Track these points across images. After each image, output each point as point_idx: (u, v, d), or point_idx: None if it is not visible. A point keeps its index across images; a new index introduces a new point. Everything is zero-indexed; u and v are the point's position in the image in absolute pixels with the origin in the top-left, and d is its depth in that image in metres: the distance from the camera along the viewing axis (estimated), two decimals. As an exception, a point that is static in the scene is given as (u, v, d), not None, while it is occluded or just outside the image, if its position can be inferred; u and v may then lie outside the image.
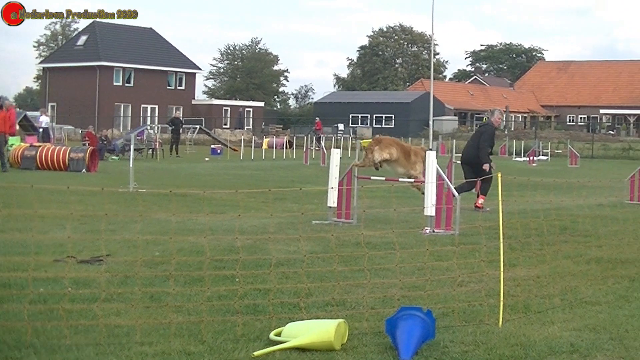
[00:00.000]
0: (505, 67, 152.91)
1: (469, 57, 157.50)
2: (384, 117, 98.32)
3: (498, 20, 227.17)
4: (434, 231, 15.86)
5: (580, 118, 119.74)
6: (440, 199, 16.05)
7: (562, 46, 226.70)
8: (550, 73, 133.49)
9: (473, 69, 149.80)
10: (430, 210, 15.92)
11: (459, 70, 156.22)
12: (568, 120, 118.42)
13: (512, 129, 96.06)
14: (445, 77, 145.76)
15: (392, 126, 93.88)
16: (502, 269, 9.20)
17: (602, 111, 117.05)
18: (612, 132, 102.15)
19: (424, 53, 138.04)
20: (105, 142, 44.03)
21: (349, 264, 12.08)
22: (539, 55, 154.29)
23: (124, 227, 15.62)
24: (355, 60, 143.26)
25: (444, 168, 22.83)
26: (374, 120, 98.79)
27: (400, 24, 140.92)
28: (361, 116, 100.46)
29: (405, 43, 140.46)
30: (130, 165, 24.93)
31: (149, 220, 16.40)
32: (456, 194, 16.02)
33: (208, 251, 12.30)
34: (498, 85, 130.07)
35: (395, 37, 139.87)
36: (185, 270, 11.24)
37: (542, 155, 56.47)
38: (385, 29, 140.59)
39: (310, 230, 15.90)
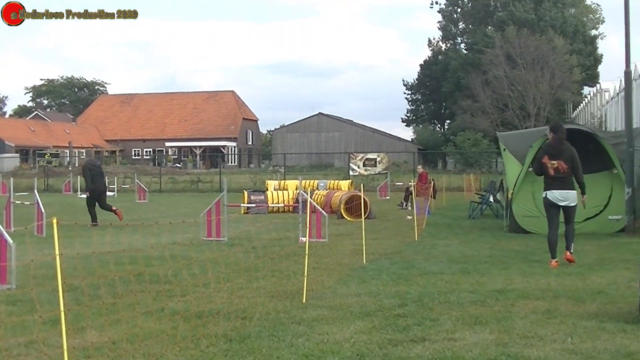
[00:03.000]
0: (67, 102, 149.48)
1: (29, 92, 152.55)
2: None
3: (56, 54, 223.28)
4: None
5: (146, 152, 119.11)
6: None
7: (124, 80, 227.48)
8: (113, 107, 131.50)
9: (34, 105, 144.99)
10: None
11: (19, 106, 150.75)
12: (134, 154, 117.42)
13: (76, 164, 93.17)
14: (5, 113, 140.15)
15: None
16: (64, 335, 6.96)
17: (167, 144, 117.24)
18: (178, 165, 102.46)
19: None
20: None
21: None
22: (101, 88, 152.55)
23: None
24: None
25: (1, 209, 20.25)
26: None
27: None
28: None
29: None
30: None
31: None
32: (10, 241, 13.39)
33: None
34: (61, 120, 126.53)
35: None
36: None
37: (109, 191, 54.29)
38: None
39: None
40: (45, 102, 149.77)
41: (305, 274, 12.18)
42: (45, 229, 22.01)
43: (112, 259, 15.11)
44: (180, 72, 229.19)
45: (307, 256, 12.37)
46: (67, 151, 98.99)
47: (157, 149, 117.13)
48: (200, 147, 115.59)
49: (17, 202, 26.23)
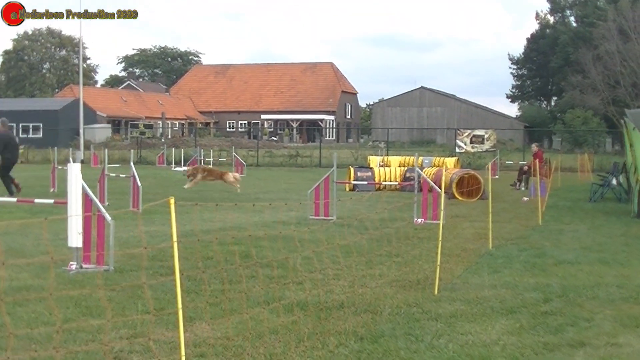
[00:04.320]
0: (160, 72, 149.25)
1: (121, 62, 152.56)
2: (31, 127, 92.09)
3: (150, 24, 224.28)
4: (81, 267, 12.05)
5: (241, 124, 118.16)
6: (88, 224, 12.29)
7: (218, 50, 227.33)
8: (207, 77, 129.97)
9: (126, 74, 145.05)
10: (75, 239, 12.10)
11: (110, 75, 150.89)
12: (228, 126, 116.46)
13: (169, 136, 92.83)
14: (96, 82, 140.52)
15: (41, 136, 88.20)
16: (181, 331, 5.80)
17: (263, 116, 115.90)
18: (275, 138, 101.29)
19: (73, 57, 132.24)
20: None
21: None
22: (195, 59, 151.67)
23: None
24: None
25: (95, 182, 19.32)
26: (21, 130, 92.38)
27: (48, 27, 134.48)
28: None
29: (53, 47, 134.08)
30: None
31: None
32: (109, 218, 12.27)
33: None
34: (153, 91, 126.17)
35: (42, 40, 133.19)
36: None
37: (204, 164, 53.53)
38: (30, 32, 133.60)
39: None
40: (138, 72, 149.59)
41: (438, 262, 10.87)
42: (141, 204, 21.07)
43: (214, 238, 13.94)
44: (275, 43, 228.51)
45: (439, 241, 11.08)
46: (160, 122, 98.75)
47: (252, 121, 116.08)
48: (296, 120, 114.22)
49: (111, 174, 25.38)
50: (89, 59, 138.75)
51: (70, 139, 79.18)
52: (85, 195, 12.31)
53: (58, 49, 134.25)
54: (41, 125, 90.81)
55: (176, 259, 6.03)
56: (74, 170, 12.27)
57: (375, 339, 8.28)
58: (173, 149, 61.84)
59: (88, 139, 69.82)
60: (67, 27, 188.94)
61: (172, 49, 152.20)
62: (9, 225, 15.53)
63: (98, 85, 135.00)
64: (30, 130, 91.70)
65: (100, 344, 7.90)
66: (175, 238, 6.07)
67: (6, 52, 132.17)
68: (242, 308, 9.28)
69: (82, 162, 28.33)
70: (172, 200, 6.12)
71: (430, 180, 20.60)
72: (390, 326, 8.80)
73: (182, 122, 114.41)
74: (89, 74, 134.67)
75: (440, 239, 11.21)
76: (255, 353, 7.65)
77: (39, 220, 18.31)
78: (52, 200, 15.50)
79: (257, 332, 8.29)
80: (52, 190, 28.84)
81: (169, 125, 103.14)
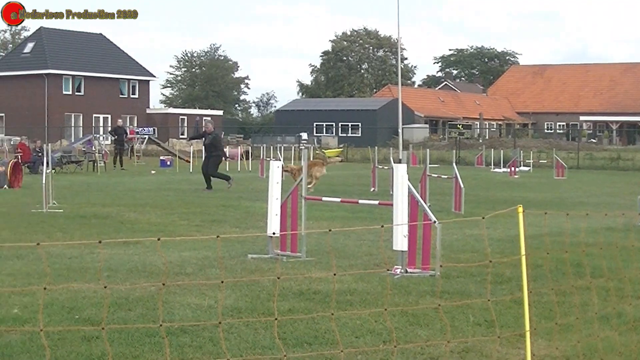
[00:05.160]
0: (477, 72, 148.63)
1: (437, 62, 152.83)
2: (350, 126, 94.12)
3: (464, 24, 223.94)
4: (406, 271, 11.70)
5: (559, 125, 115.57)
6: (414, 227, 11.95)
7: (534, 50, 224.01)
8: (525, 78, 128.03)
9: (443, 75, 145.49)
10: (401, 242, 11.78)
11: (427, 76, 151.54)
12: (546, 127, 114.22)
13: (487, 137, 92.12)
14: (414, 83, 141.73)
15: (359, 135, 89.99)
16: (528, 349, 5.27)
17: (582, 118, 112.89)
18: (593, 140, 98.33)
19: (391, 58, 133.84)
20: (40, 154, 39.62)
21: (284, 329, 8.47)
22: (512, 59, 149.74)
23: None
24: (318, 67, 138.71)
25: (416, 182, 19.11)
26: (340, 129, 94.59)
27: (365, 28, 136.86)
28: (326, 124, 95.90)
29: (371, 47, 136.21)
30: (43, 182, 20.84)
31: (37, 255, 12.74)
32: (435, 219, 11.86)
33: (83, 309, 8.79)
34: (470, 91, 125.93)
35: (360, 41, 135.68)
36: (39, 340, 7.70)
37: (524, 166, 52.55)
38: (349, 33, 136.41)
39: (242, 269, 11.99)
40: (454, 72, 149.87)
41: None
42: (463, 206, 20.72)
43: (543, 244, 13.19)
44: (592, 43, 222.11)
45: None
46: (477, 123, 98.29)
47: (570, 122, 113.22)
48: (616, 122, 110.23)
49: (432, 175, 25.20)
50: (406, 59, 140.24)
51: (388, 139, 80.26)
52: (411, 197, 11.98)
53: (375, 49, 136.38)
54: (360, 124, 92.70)
55: (524, 276, 5.47)
56: (400, 171, 11.96)
57: None
58: (492, 150, 61.21)
59: (406, 139, 70.37)
60: (384, 28, 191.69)
61: (488, 50, 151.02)
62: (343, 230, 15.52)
63: (415, 86, 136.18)
64: (349, 129, 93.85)
65: (430, 357, 7.49)
66: (523, 251, 5.51)
67: (325, 53, 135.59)
68: (579, 323, 8.57)
69: (400, 161, 28.21)
70: (520, 209, 5.57)
71: None
72: None
73: (499, 122, 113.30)
74: (407, 74, 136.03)
75: None
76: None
77: (358, 217, 18.37)
78: (376, 202, 15.33)
79: (599, 350, 7.57)
80: (372, 189, 29.05)
81: (486, 126, 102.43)
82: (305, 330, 8.45)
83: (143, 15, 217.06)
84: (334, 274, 10.96)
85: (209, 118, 27.81)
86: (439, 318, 8.85)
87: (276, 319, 8.35)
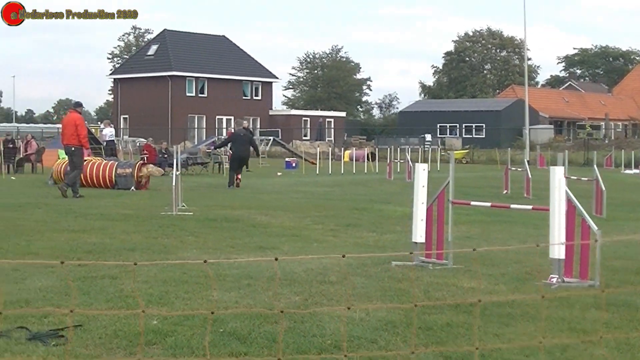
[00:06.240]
0: (601, 72, 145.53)
1: (561, 62, 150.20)
2: (474, 127, 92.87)
3: (584, 24, 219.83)
4: (563, 281, 10.94)
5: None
6: (571, 233, 11.19)
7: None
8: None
9: (567, 75, 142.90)
10: (557, 250, 11.01)
11: (551, 76, 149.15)
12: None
13: (613, 137, 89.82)
14: (537, 83, 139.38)
15: (483, 136, 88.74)
16: None
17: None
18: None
19: (514, 58, 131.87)
20: (165, 156, 39.70)
21: (446, 345, 7.81)
22: (638, 58, 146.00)
23: (127, 274, 11.20)
24: (440, 68, 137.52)
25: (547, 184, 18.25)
26: (464, 130, 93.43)
27: (488, 28, 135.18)
28: (449, 126, 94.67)
29: (494, 48, 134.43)
30: (173, 184, 20.49)
31: (168, 264, 12.04)
32: (595, 227, 11.07)
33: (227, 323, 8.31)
34: (594, 91, 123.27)
35: (483, 41, 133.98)
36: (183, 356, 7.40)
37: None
38: (471, 34, 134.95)
39: (388, 278, 11.33)
40: (579, 72, 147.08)
41: None
42: (604, 209, 19.83)
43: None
44: None
45: None
46: (603, 123, 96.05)
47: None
48: None
49: (572, 177, 24.28)
50: (529, 59, 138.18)
51: (513, 140, 78.90)
52: (567, 202, 11.22)
53: (498, 49, 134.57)
54: (484, 125, 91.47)
55: None
56: (557, 174, 11.20)
57: None
58: (621, 151, 59.51)
59: (532, 140, 69.12)
60: (507, 28, 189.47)
61: (613, 49, 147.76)
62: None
63: (539, 86, 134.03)
64: (474, 130, 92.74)
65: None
66: None
67: (447, 54, 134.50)
68: None
69: (527, 162, 27.21)
70: None
71: None
72: None
73: (625, 123, 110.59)
74: (531, 74, 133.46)
75: None
76: None
77: (498, 221, 17.61)
78: (529, 207, 14.55)
79: None
80: (505, 192, 28.27)
81: (612, 127, 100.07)
82: (468, 347, 7.79)
83: (265, 16, 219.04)
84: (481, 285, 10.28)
85: (239, 119, 28.22)
86: (611, 334, 8.11)
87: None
